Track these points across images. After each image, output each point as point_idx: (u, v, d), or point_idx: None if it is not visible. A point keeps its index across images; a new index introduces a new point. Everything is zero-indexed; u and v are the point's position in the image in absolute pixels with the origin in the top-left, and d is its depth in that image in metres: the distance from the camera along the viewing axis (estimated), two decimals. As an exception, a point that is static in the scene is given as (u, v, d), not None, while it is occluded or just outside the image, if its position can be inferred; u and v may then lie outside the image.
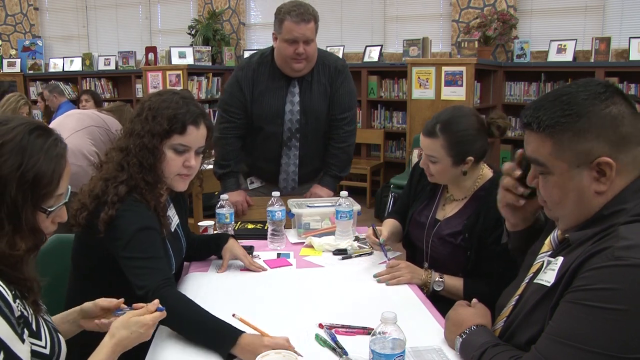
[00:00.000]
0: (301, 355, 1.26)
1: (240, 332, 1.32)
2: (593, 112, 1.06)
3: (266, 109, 2.52)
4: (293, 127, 2.54)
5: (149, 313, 1.24)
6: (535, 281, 1.19)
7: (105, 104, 5.54)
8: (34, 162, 1.05)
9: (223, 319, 1.38)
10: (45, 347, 1.11)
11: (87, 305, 1.35)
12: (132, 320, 1.21)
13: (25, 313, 1.08)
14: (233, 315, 1.40)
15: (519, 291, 1.27)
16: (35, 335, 1.09)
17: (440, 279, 1.76)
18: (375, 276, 1.79)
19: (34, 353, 1.07)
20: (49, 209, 1.10)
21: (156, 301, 1.28)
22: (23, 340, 1.03)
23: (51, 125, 3.52)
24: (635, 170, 1.08)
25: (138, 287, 1.43)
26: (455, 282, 1.77)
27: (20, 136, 1.06)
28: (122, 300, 1.35)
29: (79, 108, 5.00)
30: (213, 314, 1.39)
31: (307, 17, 2.39)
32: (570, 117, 1.07)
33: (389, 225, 2.02)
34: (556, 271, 1.12)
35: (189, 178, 1.68)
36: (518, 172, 1.33)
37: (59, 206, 1.13)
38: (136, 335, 1.21)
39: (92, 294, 1.40)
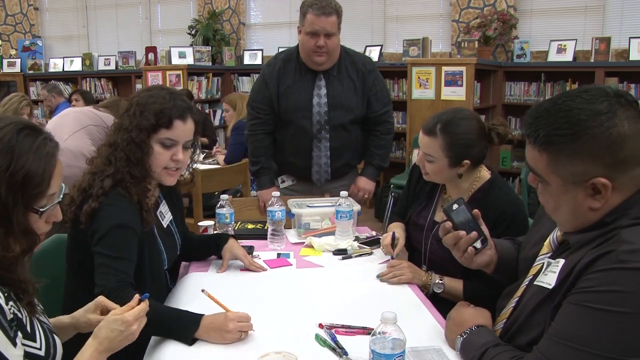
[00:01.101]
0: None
1: (200, 315, 1.35)
2: (591, 135, 1.03)
3: (293, 103, 2.57)
4: (322, 120, 2.57)
5: (130, 309, 1.20)
6: (535, 283, 1.19)
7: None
8: (23, 162, 1.04)
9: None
10: (40, 349, 1.10)
11: (80, 320, 1.33)
12: (111, 319, 1.18)
13: (20, 315, 1.07)
14: (202, 290, 1.43)
15: (519, 292, 1.27)
16: (30, 336, 1.08)
17: (441, 281, 1.76)
18: (378, 276, 1.79)
19: (29, 355, 1.06)
20: (41, 209, 1.08)
21: (136, 295, 1.25)
22: (15, 344, 1.01)
23: (48, 126, 3.48)
24: (633, 187, 1.07)
25: (98, 285, 1.43)
26: (455, 284, 1.76)
27: (8, 136, 1.05)
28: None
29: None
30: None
31: (329, 11, 2.43)
32: (567, 137, 1.05)
33: (400, 230, 2.00)
34: (557, 273, 1.12)
35: (177, 173, 1.70)
36: (448, 223, 1.39)
37: (51, 206, 1.11)
38: (116, 333, 1.16)
39: (83, 288, 1.42)
